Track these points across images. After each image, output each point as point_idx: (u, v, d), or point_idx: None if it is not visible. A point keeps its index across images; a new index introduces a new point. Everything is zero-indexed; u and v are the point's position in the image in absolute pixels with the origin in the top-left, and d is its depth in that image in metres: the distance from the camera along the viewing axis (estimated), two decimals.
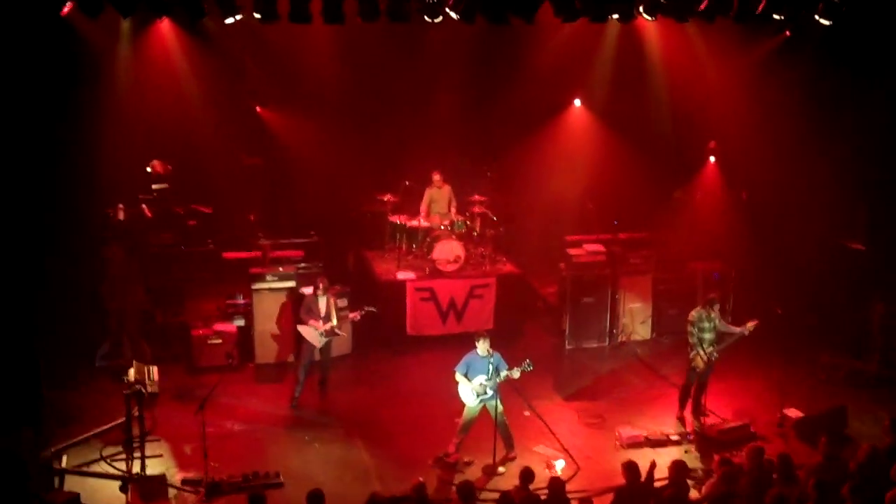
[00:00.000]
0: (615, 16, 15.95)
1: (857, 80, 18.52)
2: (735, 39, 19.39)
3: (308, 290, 17.08)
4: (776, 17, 16.12)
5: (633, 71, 21.00)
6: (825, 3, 15.96)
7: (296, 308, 17.12)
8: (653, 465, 12.45)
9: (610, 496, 12.80)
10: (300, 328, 16.29)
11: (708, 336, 15.62)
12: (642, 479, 12.15)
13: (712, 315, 15.68)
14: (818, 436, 13.77)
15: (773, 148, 19.73)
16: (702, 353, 15.54)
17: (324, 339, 16.32)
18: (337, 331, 16.45)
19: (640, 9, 15.73)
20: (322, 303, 16.31)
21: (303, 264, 18.77)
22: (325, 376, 16.76)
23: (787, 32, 19.44)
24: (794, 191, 19.80)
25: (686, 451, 14.90)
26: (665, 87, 21.06)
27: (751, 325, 15.70)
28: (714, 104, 20.44)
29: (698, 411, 15.89)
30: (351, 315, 16.87)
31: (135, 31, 18.58)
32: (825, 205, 19.61)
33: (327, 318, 16.30)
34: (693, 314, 15.77)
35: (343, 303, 17.82)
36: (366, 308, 16.64)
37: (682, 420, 15.97)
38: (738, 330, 15.70)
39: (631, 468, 12.13)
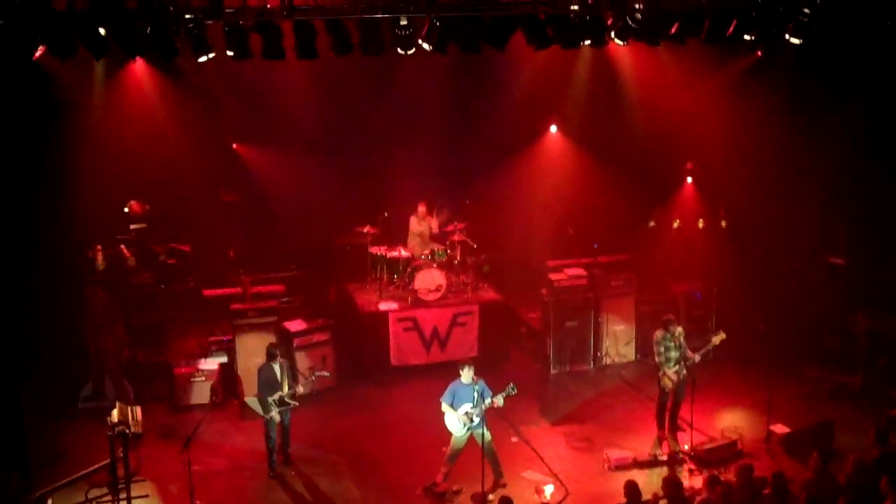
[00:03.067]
0: (587, 42, 15.96)
1: (831, 95, 18.64)
2: (708, 60, 19.50)
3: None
4: (747, 37, 16.18)
5: (607, 95, 21.07)
6: (795, 22, 16.03)
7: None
8: (655, 497, 12.51)
9: None
10: (249, 402, 15.42)
11: (674, 355, 15.78)
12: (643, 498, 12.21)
13: (677, 334, 15.80)
14: (806, 451, 13.82)
15: (750, 166, 19.82)
16: (669, 372, 15.67)
17: (276, 411, 15.14)
18: (287, 400, 15.14)
19: (612, 34, 15.76)
20: (277, 370, 15.19)
21: (284, 298, 18.73)
22: (285, 447, 15.57)
23: (759, 52, 19.56)
24: (773, 207, 19.86)
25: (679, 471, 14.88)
26: (640, 110, 21.10)
27: (717, 339, 15.88)
28: (690, 125, 20.50)
29: (674, 427, 16.01)
30: (299, 387, 15.59)
31: (109, 72, 18.52)
32: (804, 220, 19.71)
33: (280, 387, 15.13)
34: (657, 334, 16.00)
35: (324, 336, 17.85)
36: (316, 374, 16.05)
37: (660, 440, 16.04)
38: (691, 355, 15.84)
39: (631, 488, 12.16)
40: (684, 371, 15.77)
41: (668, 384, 15.87)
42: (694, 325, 18.69)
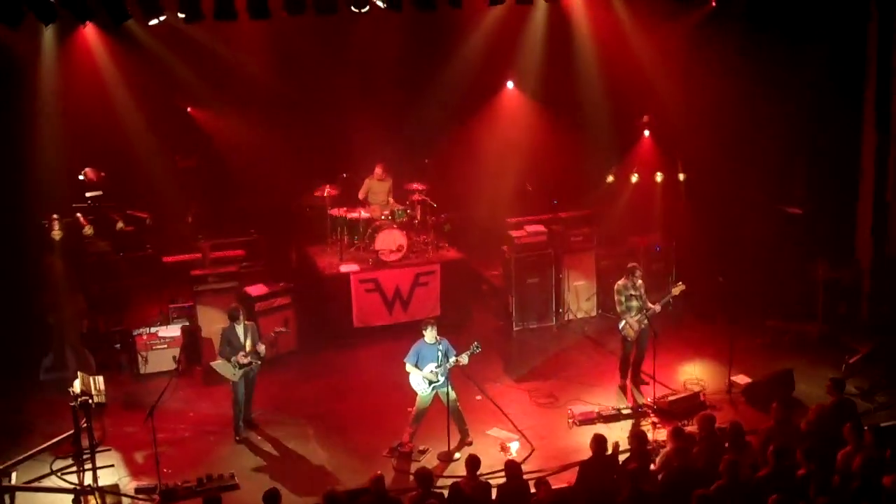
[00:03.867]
0: None
1: (786, 45, 18.70)
2: (662, 12, 19.54)
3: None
4: None
5: (563, 50, 21.00)
6: None
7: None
8: (616, 446, 12.60)
9: (565, 474, 12.99)
10: (214, 364, 15.19)
11: (635, 304, 15.93)
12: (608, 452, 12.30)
13: (637, 283, 15.93)
14: (767, 400, 14.00)
15: (706, 117, 19.88)
16: (631, 321, 15.83)
17: (240, 372, 14.97)
18: (251, 359, 14.97)
19: None
20: (240, 331, 15.05)
21: (244, 263, 18.66)
22: (248, 412, 15.47)
23: (713, 3, 19.60)
24: (730, 159, 19.98)
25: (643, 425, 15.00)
26: (596, 64, 21.05)
27: (676, 289, 16.07)
28: (646, 78, 20.53)
29: (637, 380, 16.27)
30: (260, 345, 15.18)
31: (59, 38, 18.20)
32: (761, 171, 19.85)
33: (243, 347, 14.97)
34: (618, 284, 16.14)
35: (286, 300, 17.82)
36: (276, 330, 15.82)
37: (622, 389, 16.25)
38: (651, 307, 15.93)
39: (599, 441, 12.24)
40: (646, 321, 15.88)
41: (630, 333, 15.98)
42: (654, 279, 18.74)
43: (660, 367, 15.77)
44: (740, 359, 16.38)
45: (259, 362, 15.25)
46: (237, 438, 15.21)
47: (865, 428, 12.13)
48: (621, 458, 12.68)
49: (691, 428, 13.66)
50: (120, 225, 18.97)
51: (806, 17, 18.25)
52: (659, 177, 20.56)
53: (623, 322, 15.98)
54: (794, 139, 19.39)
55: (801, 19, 18.34)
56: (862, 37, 18.03)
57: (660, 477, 12.08)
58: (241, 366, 14.98)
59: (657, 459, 12.78)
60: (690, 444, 12.44)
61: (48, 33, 17.73)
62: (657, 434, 14.52)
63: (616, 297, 16.07)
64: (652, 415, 15.34)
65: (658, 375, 15.79)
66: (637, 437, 12.62)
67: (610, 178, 21.13)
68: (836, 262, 18.46)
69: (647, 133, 21.37)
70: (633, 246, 19.79)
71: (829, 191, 19.18)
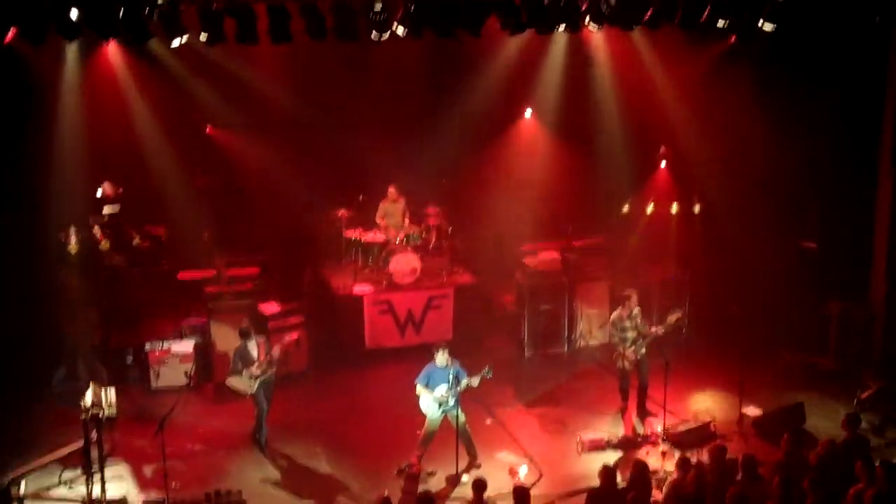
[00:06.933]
0: (562, 27, 16.00)
1: (804, 81, 18.74)
2: (682, 46, 19.60)
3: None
4: (721, 23, 16.24)
5: (582, 80, 21.10)
6: (770, 7, 16.08)
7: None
8: (612, 470, 12.59)
9: (573, 500, 12.98)
10: (228, 382, 15.42)
11: (630, 335, 16.03)
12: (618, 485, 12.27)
13: (633, 313, 16.05)
14: (777, 432, 13.95)
15: (723, 151, 19.95)
16: (627, 352, 15.99)
17: (256, 384, 15.23)
18: (259, 371, 15.19)
19: (587, 19, 15.79)
20: (252, 348, 15.32)
21: (259, 281, 18.75)
22: (261, 428, 15.57)
23: (733, 38, 19.66)
24: (746, 192, 19.98)
25: (647, 453, 14.95)
26: (614, 96, 21.14)
27: (672, 318, 16.16)
28: (664, 110, 20.61)
29: (643, 412, 16.30)
30: (274, 350, 15.50)
31: (81, 55, 18.39)
32: (777, 205, 19.84)
33: (256, 361, 15.26)
34: (614, 315, 16.29)
35: (299, 319, 17.89)
36: (287, 341, 15.88)
37: (622, 412, 16.34)
38: (653, 330, 16.05)
39: (608, 473, 12.22)
40: (643, 350, 15.96)
41: (626, 364, 16.12)
42: (668, 310, 18.69)
43: (670, 397, 15.73)
44: (752, 390, 16.33)
45: (271, 373, 15.36)
46: (261, 446, 15.41)
47: (877, 464, 12.07)
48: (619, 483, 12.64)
49: (701, 458, 13.63)
50: (136, 241, 19.06)
51: (824, 58, 18.29)
52: (674, 208, 20.57)
53: (615, 353, 16.20)
54: (810, 175, 19.39)
55: (819, 59, 18.38)
56: (880, 79, 17.99)
57: None
58: (257, 377, 15.12)
59: (665, 488, 12.75)
60: (702, 473, 12.42)
61: (71, 50, 17.92)
62: (667, 463, 14.48)
63: (611, 329, 16.25)
64: (662, 444, 15.31)
65: (669, 405, 15.76)
66: (639, 467, 12.58)
67: (625, 209, 21.16)
68: (850, 298, 18.40)
69: (663, 164, 21.42)
70: (647, 276, 19.74)
71: (843, 228, 19.13)
